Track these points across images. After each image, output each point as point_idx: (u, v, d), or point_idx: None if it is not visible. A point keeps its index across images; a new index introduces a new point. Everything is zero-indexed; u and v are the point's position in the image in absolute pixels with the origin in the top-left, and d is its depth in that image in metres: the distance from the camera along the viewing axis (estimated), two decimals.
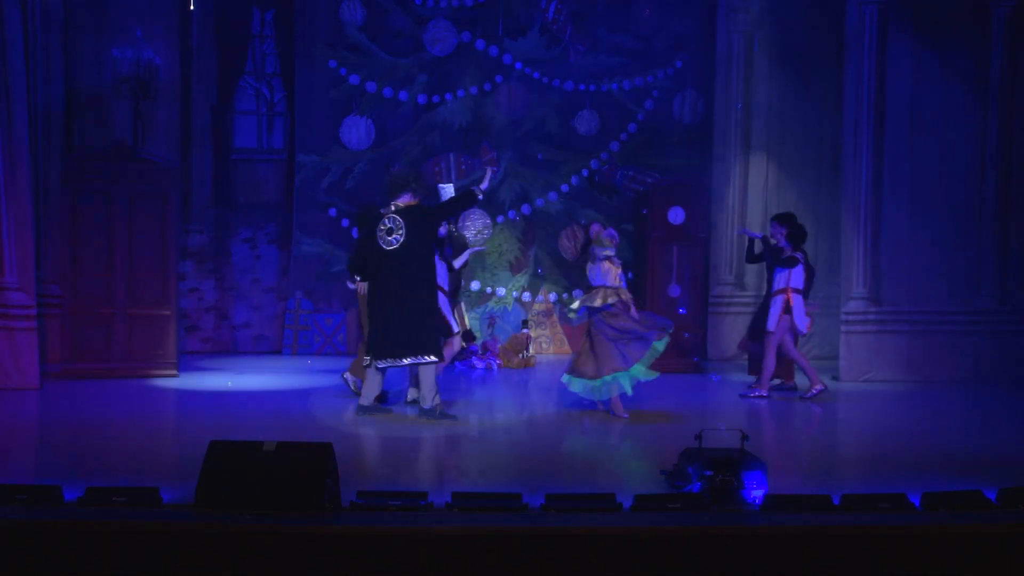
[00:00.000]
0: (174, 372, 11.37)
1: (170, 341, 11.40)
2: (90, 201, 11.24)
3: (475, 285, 13.72)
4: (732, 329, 13.39)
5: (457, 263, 10.27)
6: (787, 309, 10.48)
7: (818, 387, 10.58)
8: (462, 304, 13.69)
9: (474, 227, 13.37)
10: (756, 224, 13.59)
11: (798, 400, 10.63)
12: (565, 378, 9.63)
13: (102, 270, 11.25)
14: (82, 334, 11.21)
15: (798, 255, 10.57)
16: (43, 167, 11.93)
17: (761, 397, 10.59)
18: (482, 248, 11.71)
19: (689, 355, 12.40)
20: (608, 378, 9.40)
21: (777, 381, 10.98)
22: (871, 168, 12.04)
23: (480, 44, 13.71)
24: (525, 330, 13.29)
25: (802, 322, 10.53)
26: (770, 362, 10.65)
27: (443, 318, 9.66)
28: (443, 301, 9.72)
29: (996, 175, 12.20)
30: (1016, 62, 12.16)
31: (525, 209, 13.78)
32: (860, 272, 12.07)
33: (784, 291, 10.54)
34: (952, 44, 12.08)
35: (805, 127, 13.75)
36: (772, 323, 10.55)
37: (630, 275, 11.23)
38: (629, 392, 9.44)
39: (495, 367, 12.66)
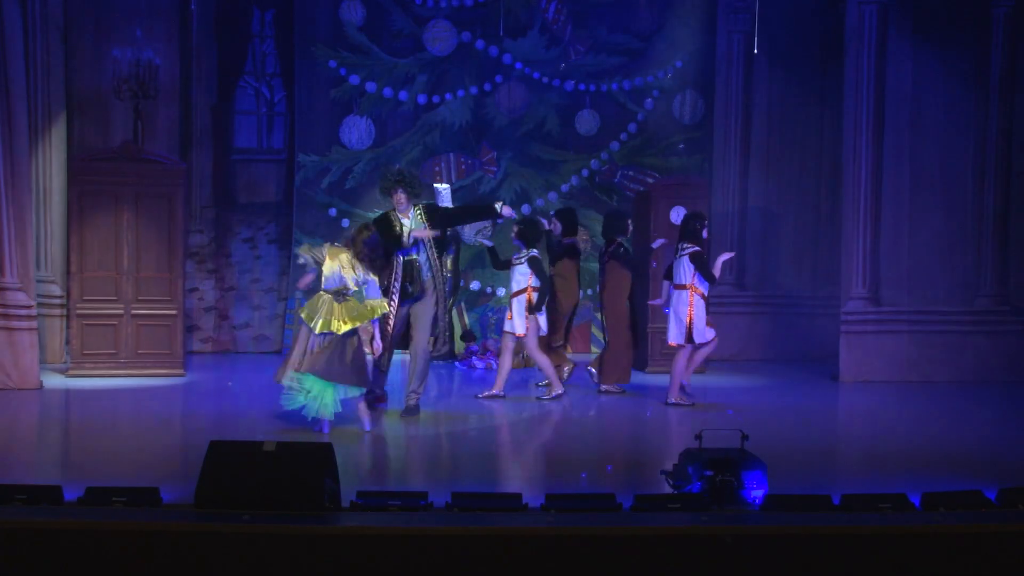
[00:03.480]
0: (181, 372, 11.39)
1: (177, 341, 11.42)
2: (97, 201, 11.29)
3: (475, 285, 13.73)
4: (732, 329, 13.39)
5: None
6: (532, 309, 10.23)
7: (558, 390, 10.40)
8: (462, 304, 13.71)
9: (473, 228, 13.38)
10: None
11: (535, 400, 10.43)
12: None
13: (110, 270, 11.30)
14: (90, 334, 11.25)
15: (534, 252, 10.31)
16: (43, 167, 11.94)
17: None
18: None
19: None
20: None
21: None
22: (871, 168, 12.04)
23: (480, 44, 13.72)
24: None
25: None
26: (543, 361, 10.42)
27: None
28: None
29: (996, 175, 12.20)
30: (1016, 62, 12.16)
31: (525, 209, 13.78)
32: (860, 272, 12.07)
33: (525, 290, 10.30)
34: (952, 44, 12.08)
35: (805, 127, 13.76)
36: (521, 326, 10.24)
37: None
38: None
39: (495, 367, 12.64)
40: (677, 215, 12.47)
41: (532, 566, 5.67)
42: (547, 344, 10.70)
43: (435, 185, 13.01)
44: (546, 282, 10.32)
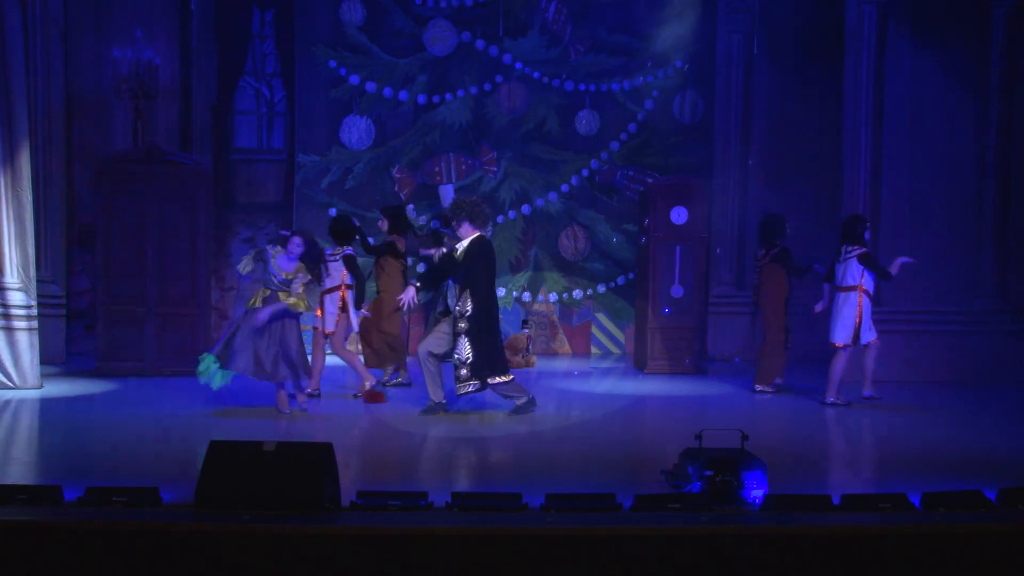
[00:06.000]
0: None
1: (201, 341, 11.45)
2: (123, 202, 11.41)
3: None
4: (732, 329, 13.40)
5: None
6: (344, 307, 10.16)
7: (371, 382, 10.23)
8: None
9: None
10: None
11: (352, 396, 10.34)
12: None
13: (135, 270, 11.41)
14: (115, 333, 11.36)
15: (348, 250, 10.23)
16: (43, 167, 11.95)
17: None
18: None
19: (683, 357, 12.33)
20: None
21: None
22: (871, 168, 12.04)
23: (480, 44, 13.73)
24: (525, 330, 13.29)
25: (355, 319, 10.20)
26: (349, 358, 10.32)
27: None
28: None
29: (996, 175, 12.21)
30: (1016, 62, 12.17)
31: (525, 209, 13.81)
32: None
33: (339, 287, 10.18)
34: (952, 44, 12.08)
35: (805, 127, 13.76)
36: (331, 323, 10.16)
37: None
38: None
39: None
40: (678, 215, 12.48)
41: (532, 566, 5.66)
42: (387, 342, 10.71)
43: (440, 186, 12.98)
44: (361, 280, 10.22)
